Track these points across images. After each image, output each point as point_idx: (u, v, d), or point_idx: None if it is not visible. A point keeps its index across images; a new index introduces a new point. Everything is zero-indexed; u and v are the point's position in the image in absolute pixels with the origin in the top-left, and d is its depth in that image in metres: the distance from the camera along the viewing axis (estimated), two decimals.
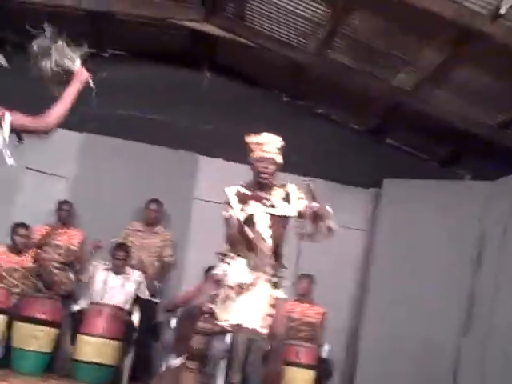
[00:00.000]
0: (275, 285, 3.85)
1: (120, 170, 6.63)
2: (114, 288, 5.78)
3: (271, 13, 5.97)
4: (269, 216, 3.85)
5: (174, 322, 5.68)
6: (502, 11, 4.42)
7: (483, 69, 5.41)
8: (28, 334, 5.32)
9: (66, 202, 6.29)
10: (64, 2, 6.05)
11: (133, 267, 6.00)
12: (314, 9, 5.59)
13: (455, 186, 6.61)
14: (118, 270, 5.87)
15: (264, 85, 7.05)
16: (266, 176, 3.92)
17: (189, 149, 6.82)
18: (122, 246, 5.99)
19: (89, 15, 6.26)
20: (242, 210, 3.84)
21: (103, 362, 5.36)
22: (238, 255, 3.84)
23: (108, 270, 5.88)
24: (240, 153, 6.82)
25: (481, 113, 6.08)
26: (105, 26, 6.52)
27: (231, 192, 3.94)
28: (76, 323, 5.50)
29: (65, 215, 6.23)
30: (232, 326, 3.75)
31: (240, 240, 3.82)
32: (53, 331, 5.46)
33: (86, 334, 5.40)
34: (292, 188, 3.97)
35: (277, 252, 3.90)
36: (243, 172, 6.79)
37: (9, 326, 5.35)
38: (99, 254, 5.98)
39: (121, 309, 5.68)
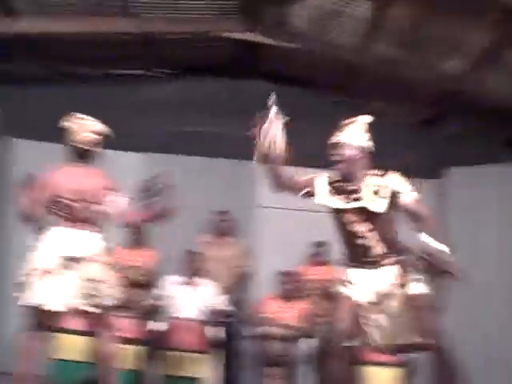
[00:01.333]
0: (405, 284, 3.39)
1: (183, 184, 6.75)
2: (189, 301, 5.79)
3: (312, 15, 5.98)
4: (361, 214, 3.41)
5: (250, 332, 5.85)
6: None
7: None
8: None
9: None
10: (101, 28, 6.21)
11: (207, 279, 6.00)
12: (355, 5, 5.58)
13: None
14: (190, 281, 5.88)
15: (316, 87, 7.04)
16: (338, 166, 3.50)
17: (246, 158, 6.87)
18: (192, 255, 5.97)
19: (136, 38, 6.43)
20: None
21: (188, 376, 5.43)
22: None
23: (181, 283, 5.89)
24: (297, 156, 6.96)
25: None
26: (152, 47, 6.67)
27: (319, 181, 3.55)
28: (157, 340, 5.58)
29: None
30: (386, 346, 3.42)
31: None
32: (139, 349, 5.52)
33: (170, 350, 5.49)
34: (392, 180, 3.44)
35: (392, 245, 3.44)
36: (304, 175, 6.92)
37: None
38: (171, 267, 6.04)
39: (201, 322, 5.73)
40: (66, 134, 4.00)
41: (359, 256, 3.42)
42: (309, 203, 6.96)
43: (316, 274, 6.32)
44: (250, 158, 6.81)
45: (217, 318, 5.86)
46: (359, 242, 3.40)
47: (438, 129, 7.15)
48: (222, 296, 5.94)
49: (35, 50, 6.48)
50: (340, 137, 3.51)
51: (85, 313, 3.84)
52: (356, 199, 3.41)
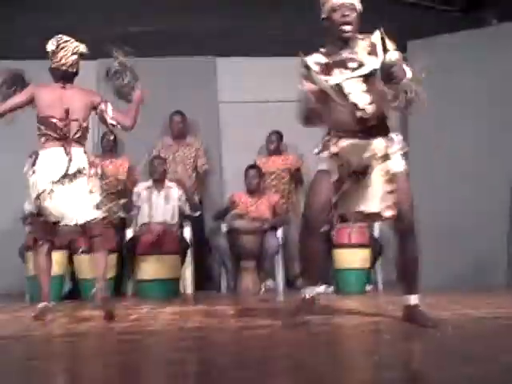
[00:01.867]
0: (388, 157, 3.36)
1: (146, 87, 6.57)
2: (159, 205, 5.86)
3: None
4: (361, 79, 3.31)
5: (224, 227, 5.90)
6: None
7: None
8: None
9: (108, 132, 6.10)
10: None
11: (172, 181, 6.07)
12: None
13: (484, 32, 6.27)
14: (159, 185, 5.92)
15: None
16: (346, 28, 3.34)
17: (205, 53, 6.71)
18: (158, 158, 6.04)
19: None
20: (326, 81, 3.29)
21: (164, 278, 5.52)
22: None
23: (149, 187, 5.93)
24: (258, 46, 6.76)
25: None
26: None
27: (310, 61, 3.33)
28: (132, 247, 5.66)
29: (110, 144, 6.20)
30: (354, 213, 3.46)
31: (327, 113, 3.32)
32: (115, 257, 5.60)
33: (144, 255, 5.56)
34: (378, 37, 3.32)
35: (383, 118, 3.39)
36: (264, 66, 6.74)
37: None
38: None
39: (171, 225, 5.83)
40: (49, 56, 4.02)
41: (352, 128, 3.34)
42: (265, 95, 6.87)
43: (276, 163, 6.36)
44: (208, 53, 6.67)
45: (185, 217, 5.95)
46: (357, 114, 3.31)
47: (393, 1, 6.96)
48: (189, 195, 6.03)
49: None
50: None
51: (80, 226, 3.94)
52: (355, 68, 3.33)
